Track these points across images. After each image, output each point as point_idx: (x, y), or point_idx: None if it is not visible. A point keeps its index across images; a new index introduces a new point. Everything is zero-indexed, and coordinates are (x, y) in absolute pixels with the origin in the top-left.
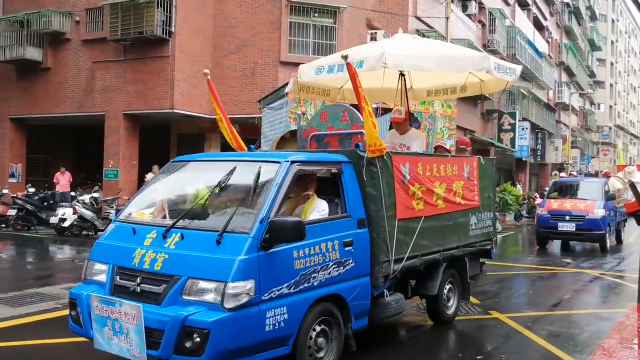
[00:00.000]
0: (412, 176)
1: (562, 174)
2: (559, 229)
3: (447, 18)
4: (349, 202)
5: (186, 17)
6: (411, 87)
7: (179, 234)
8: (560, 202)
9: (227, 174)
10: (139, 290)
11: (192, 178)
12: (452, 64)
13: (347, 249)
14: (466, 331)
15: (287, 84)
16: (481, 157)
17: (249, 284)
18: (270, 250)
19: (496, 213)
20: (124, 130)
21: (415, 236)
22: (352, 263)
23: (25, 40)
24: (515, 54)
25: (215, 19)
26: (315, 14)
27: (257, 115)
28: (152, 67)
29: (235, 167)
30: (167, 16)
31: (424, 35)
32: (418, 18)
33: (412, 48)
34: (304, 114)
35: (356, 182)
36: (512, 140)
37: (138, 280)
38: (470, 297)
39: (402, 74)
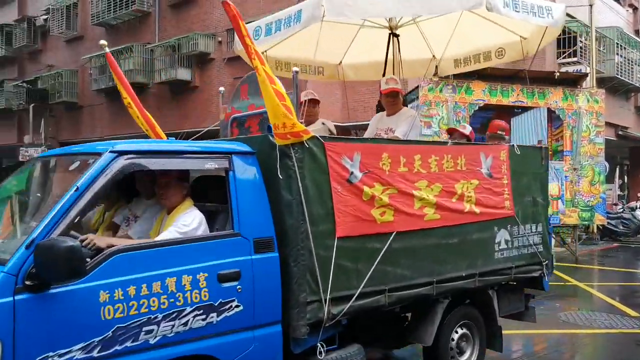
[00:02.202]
0: (369, 173)
1: None
2: None
3: (591, 5)
4: (240, 213)
5: None
6: (433, 57)
7: None
8: None
9: (39, 174)
10: None
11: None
12: (424, 1)
13: (226, 285)
14: (623, 346)
15: (416, 87)
16: (516, 145)
17: None
18: (50, 291)
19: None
20: None
21: (377, 261)
22: (238, 307)
23: (177, 63)
24: None
25: None
26: None
27: None
28: (283, 80)
29: (51, 164)
30: None
31: (564, 27)
32: None
33: None
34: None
35: (260, 184)
36: None
37: None
38: (627, 309)
39: (395, 35)
